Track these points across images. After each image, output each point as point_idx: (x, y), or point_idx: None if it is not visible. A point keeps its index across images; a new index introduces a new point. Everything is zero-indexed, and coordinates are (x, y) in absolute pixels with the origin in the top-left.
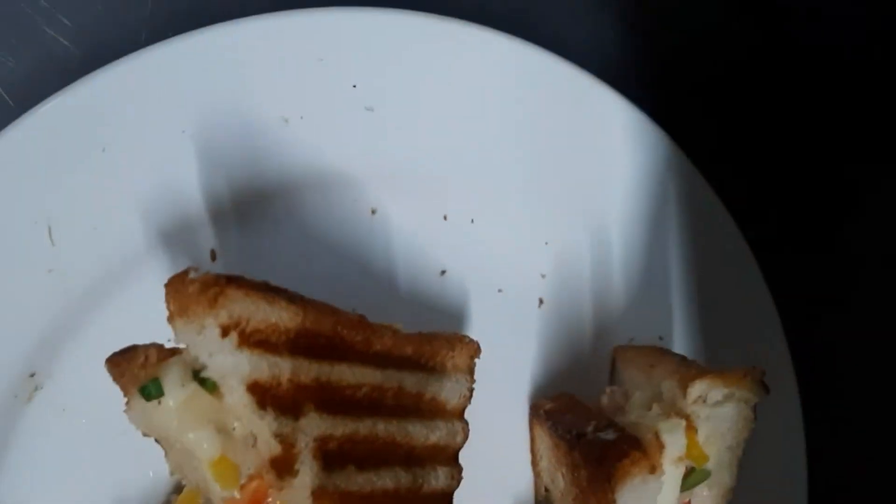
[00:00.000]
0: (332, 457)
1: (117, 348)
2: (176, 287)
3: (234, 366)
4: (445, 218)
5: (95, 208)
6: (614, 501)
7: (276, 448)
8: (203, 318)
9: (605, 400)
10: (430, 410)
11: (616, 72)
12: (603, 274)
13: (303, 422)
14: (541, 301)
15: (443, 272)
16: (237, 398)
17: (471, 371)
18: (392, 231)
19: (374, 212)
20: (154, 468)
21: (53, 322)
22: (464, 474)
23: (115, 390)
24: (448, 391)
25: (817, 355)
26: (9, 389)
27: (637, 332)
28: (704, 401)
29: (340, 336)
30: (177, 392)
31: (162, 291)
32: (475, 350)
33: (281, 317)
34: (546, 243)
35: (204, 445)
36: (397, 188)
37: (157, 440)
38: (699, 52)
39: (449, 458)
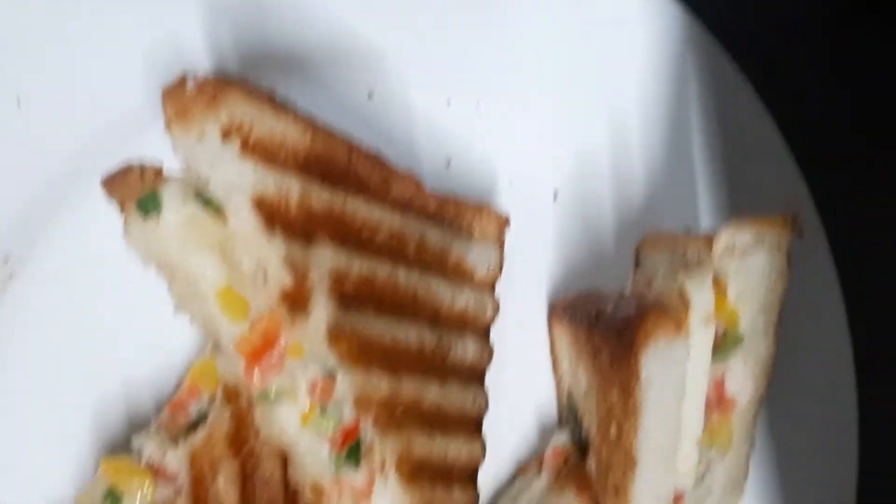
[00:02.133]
0: (348, 298)
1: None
2: (174, 93)
3: (237, 176)
4: (449, 103)
5: (72, 72)
6: (639, 372)
7: (286, 278)
8: (203, 121)
9: (627, 290)
10: (456, 275)
11: None
12: (622, 162)
13: (315, 251)
14: (556, 194)
15: (448, 162)
16: (243, 217)
17: (500, 243)
18: (391, 117)
19: (370, 95)
20: (144, 372)
21: (29, 199)
22: None
23: (102, 279)
24: (475, 257)
25: (851, 236)
26: None
27: (661, 223)
28: (733, 252)
29: (355, 171)
30: (177, 208)
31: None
32: (504, 222)
33: (288, 132)
34: (559, 130)
35: (208, 272)
36: (395, 69)
37: (157, 269)
38: None
39: (479, 331)
